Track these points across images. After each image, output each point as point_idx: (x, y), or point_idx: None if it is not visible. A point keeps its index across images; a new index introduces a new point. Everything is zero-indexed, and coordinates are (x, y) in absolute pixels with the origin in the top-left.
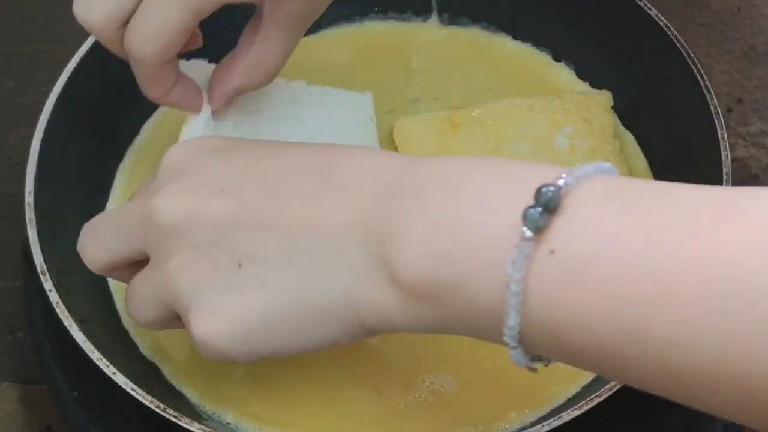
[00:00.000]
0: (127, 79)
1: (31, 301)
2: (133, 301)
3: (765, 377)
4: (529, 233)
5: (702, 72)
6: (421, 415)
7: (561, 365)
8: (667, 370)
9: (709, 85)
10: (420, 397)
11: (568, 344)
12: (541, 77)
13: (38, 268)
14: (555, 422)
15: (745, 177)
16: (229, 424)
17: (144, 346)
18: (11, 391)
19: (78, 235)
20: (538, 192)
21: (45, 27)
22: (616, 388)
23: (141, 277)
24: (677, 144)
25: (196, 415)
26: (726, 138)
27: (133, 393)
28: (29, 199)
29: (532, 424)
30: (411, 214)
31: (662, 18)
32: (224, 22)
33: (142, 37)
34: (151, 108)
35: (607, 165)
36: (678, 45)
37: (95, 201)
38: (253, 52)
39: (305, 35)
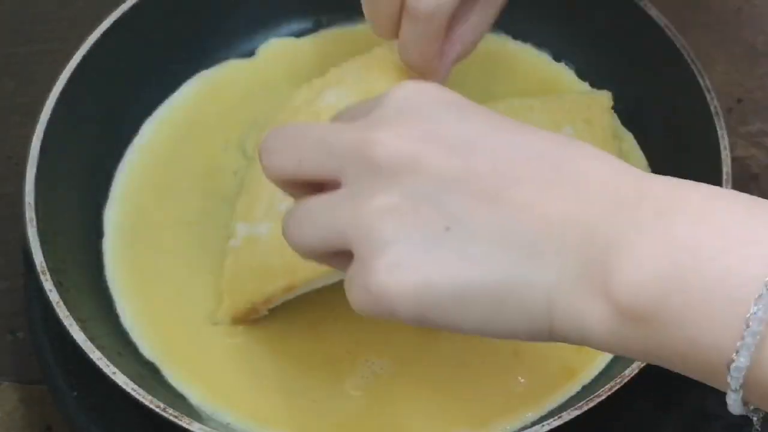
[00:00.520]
0: (126, 79)
1: (31, 300)
2: (299, 222)
3: None
4: None
5: (702, 72)
6: (420, 414)
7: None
8: None
9: (709, 85)
10: (418, 396)
11: None
12: (541, 77)
13: (38, 268)
14: (555, 422)
15: (745, 177)
16: (228, 424)
17: (144, 346)
18: (11, 390)
19: (77, 235)
20: None
21: (45, 27)
22: (616, 388)
23: (322, 201)
24: (677, 144)
25: (196, 415)
26: (726, 138)
27: (133, 393)
28: (29, 198)
29: (533, 424)
30: (645, 229)
31: (662, 18)
32: None
33: None
34: (150, 107)
35: None
36: (678, 45)
37: (94, 201)
38: (474, 19)
39: (305, 36)
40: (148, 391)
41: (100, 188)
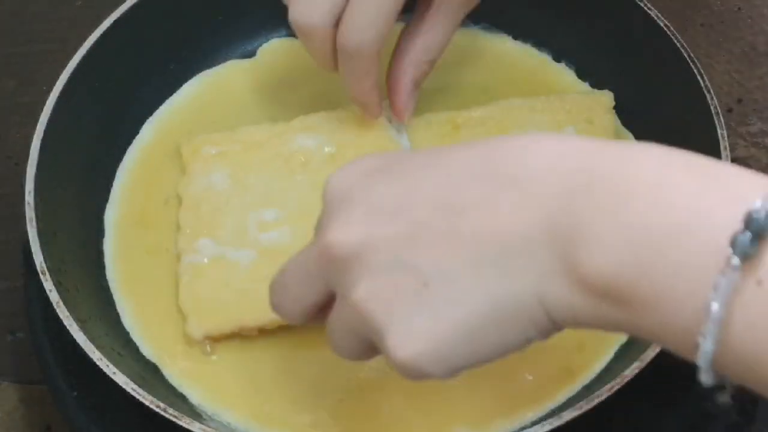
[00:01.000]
0: (126, 79)
1: (31, 301)
2: (334, 341)
3: None
4: (736, 261)
5: (702, 72)
6: (419, 413)
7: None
8: None
9: (709, 85)
10: (417, 397)
11: (765, 380)
12: (541, 77)
13: (38, 268)
14: (555, 422)
15: None
16: (229, 423)
17: (144, 346)
18: (11, 390)
19: (77, 235)
20: (749, 217)
21: (45, 27)
22: (616, 388)
23: (333, 315)
24: (677, 144)
25: (196, 415)
26: (726, 138)
27: (133, 393)
28: (29, 198)
29: (533, 424)
30: (601, 217)
31: (662, 18)
32: None
33: (360, 27)
34: (151, 108)
35: None
36: (678, 45)
37: (95, 201)
38: (421, 41)
39: None
40: (149, 391)
41: (100, 188)
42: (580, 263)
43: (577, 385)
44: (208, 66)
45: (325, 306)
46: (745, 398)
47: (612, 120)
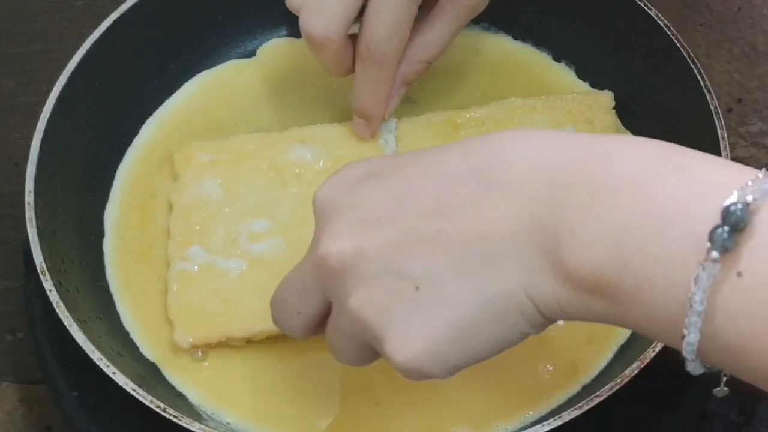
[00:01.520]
0: (126, 79)
1: (31, 300)
2: (335, 349)
3: None
4: (716, 254)
5: (702, 72)
6: (419, 413)
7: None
8: None
9: (709, 85)
10: (417, 397)
11: (750, 368)
12: (541, 77)
13: (38, 268)
14: (555, 422)
15: None
16: (229, 424)
17: (144, 346)
18: (11, 390)
19: (77, 235)
20: (726, 211)
21: (45, 27)
22: (616, 388)
23: (331, 325)
24: (677, 144)
25: (196, 415)
26: (726, 138)
27: (133, 393)
28: (29, 198)
29: (533, 424)
30: (582, 214)
31: (662, 18)
32: None
33: (385, 36)
34: (151, 108)
35: None
36: (678, 45)
37: (94, 201)
38: (419, 40)
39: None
40: (148, 391)
41: (100, 188)
42: (564, 260)
43: (577, 385)
44: (208, 66)
45: (325, 318)
46: (745, 398)
47: (612, 120)
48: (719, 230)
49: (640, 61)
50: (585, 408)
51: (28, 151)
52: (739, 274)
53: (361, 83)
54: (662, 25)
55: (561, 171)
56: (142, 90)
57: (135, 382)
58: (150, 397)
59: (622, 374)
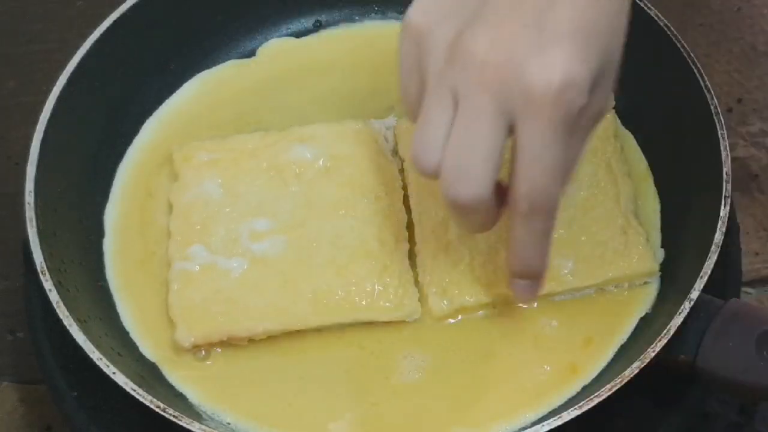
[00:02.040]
0: (126, 79)
1: (31, 300)
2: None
3: None
4: None
5: (702, 72)
6: (419, 413)
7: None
8: None
9: (709, 85)
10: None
11: None
12: None
13: (38, 268)
14: (555, 422)
15: (745, 176)
16: (229, 423)
17: (144, 346)
18: (11, 390)
19: (77, 235)
20: None
21: (45, 27)
22: (616, 388)
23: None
24: (677, 144)
25: (196, 415)
26: (726, 138)
27: (133, 393)
28: (29, 198)
29: (533, 424)
30: None
31: (662, 18)
32: None
33: (546, 184)
34: (150, 107)
35: None
36: (678, 45)
37: (94, 201)
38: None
39: (307, 35)
40: (148, 391)
41: (101, 188)
42: None
43: (577, 386)
44: (208, 66)
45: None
46: (746, 399)
47: (612, 120)
48: None
49: (640, 61)
50: (585, 408)
51: (28, 151)
52: None
53: (523, 240)
54: (662, 25)
55: None
56: (142, 90)
57: (135, 382)
58: (150, 397)
59: (622, 374)
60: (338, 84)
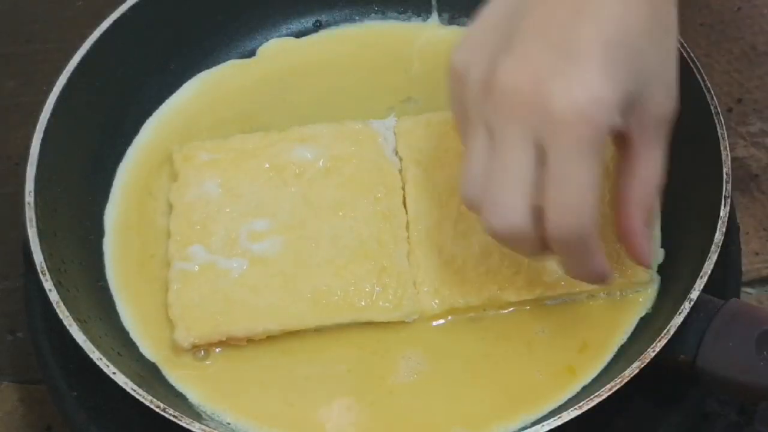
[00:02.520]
0: (126, 79)
1: (31, 300)
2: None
3: None
4: None
5: (702, 72)
6: (419, 413)
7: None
8: None
9: (709, 85)
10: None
11: None
12: None
13: (38, 268)
14: (555, 422)
15: (745, 176)
16: (228, 423)
17: (143, 346)
18: (11, 390)
19: (77, 235)
20: None
21: (45, 27)
22: (615, 388)
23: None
24: (677, 143)
25: (195, 415)
26: (726, 137)
27: (133, 393)
28: (29, 198)
29: (533, 424)
30: None
31: None
32: None
33: (572, 220)
34: (150, 107)
35: None
36: (678, 45)
37: (94, 201)
38: (638, 181)
39: (307, 35)
40: (148, 391)
41: (101, 188)
42: None
43: (577, 386)
44: (208, 66)
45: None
46: (746, 399)
47: None
48: None
49: None
50: (585, 408)
51: (28, 152)
52: None
53: (572, 269)
54: None
55: None
56: (143, 90)
57: (135, 382)
58: (150, 397)
59: (622, 374)
60: (338, 84)
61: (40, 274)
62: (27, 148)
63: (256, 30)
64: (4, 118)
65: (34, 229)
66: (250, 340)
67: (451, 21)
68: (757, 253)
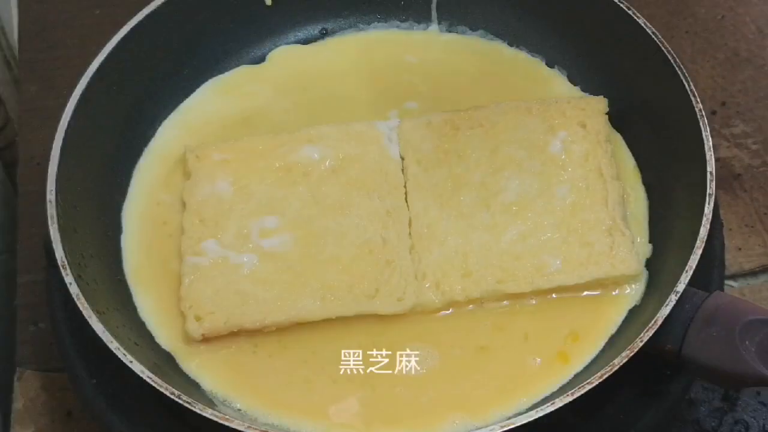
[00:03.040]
0: (142, 83)
1: (52, 293)
2: None
3: None
4: None
5: (687, 77)
6: (417, 401)
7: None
8: None
9: (695, 89)
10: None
11: None
12: (534, 82)
13: (59, 262)
14: (548, 408)
15: (728, 176)
16: (240, 410)
17: (159, 336)
18: (34, 378)
19: (96, 231)
20: None
21: (65, 34)
22: (606, 376)
23: None
24: (664, 145)
25: (208, 401)
26: (710, 139)
27: (149, 380)
28: (50, 197)
29: (527, 410)
30: None
31: (650, 26)
32: None
33: None
34: (166, 111)
35: None
36: (665, 51)
37: (113, 199)
38: None
39: (314, 42)
40: (163, 378)
41: (118, 187)
42: None
43: (570, 374)
44: (220, 71)
45: None
46: (729, 386)
47: (604, 124)
48: None
49: (629, 66)
50: (577, 394)
51: (50, 152)
52: None
53: None
54: (650, 32)
55: None
56: (158, 94)
57: (151, 370)
58: (165, 385)
59: (612, 363)
60: (344, 88)
61: (61, 269)
62: (49, 149)
63: (266, 37)
64: (27, 120)
65: (56, 226)
66: (260, 332)
67: (450, 29)
68: (739, 248)
